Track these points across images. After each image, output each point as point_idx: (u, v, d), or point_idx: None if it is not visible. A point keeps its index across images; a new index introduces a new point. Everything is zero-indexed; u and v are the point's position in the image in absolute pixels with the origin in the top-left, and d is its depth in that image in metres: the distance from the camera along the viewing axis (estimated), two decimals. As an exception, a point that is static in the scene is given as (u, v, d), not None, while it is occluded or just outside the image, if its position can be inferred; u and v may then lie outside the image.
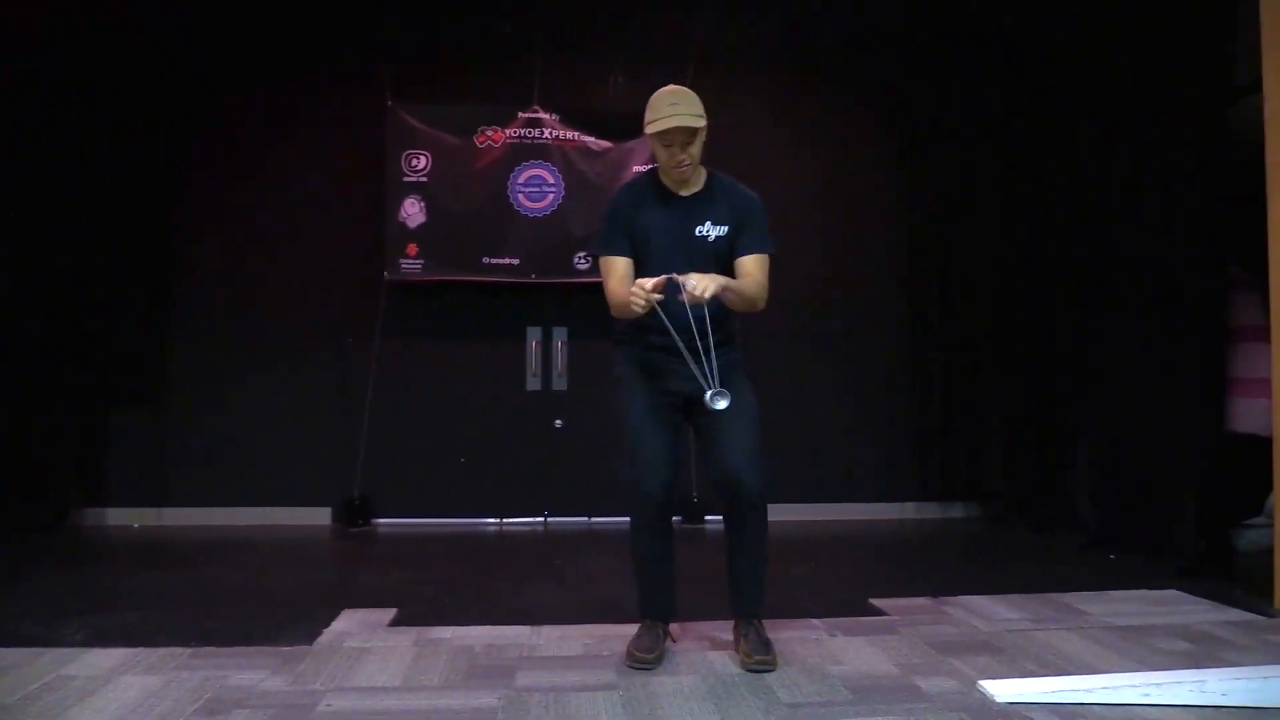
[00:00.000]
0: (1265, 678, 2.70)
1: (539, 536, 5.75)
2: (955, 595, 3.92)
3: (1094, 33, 5.19)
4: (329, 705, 2.66)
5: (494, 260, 5.86)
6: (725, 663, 3.05)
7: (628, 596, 3.73)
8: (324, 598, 3.92)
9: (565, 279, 5.89)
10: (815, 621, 3.51)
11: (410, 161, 5.84)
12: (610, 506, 5.94)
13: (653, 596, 3.12)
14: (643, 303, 2.77)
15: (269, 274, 5.94)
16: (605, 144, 5.96)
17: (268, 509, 5.84)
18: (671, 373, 3.00)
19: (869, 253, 6.25)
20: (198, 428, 5.86)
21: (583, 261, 5.87)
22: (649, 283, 2.78)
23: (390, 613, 3.67)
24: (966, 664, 3.01)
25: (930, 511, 6.23)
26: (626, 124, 5.93)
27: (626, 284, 2.93)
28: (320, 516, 5.92)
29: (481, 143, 5.91)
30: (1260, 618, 3.55)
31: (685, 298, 2.75)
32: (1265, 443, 3.89)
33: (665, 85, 3.03)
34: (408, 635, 3.36)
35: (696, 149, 2.98)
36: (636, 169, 5.89)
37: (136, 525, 5.76)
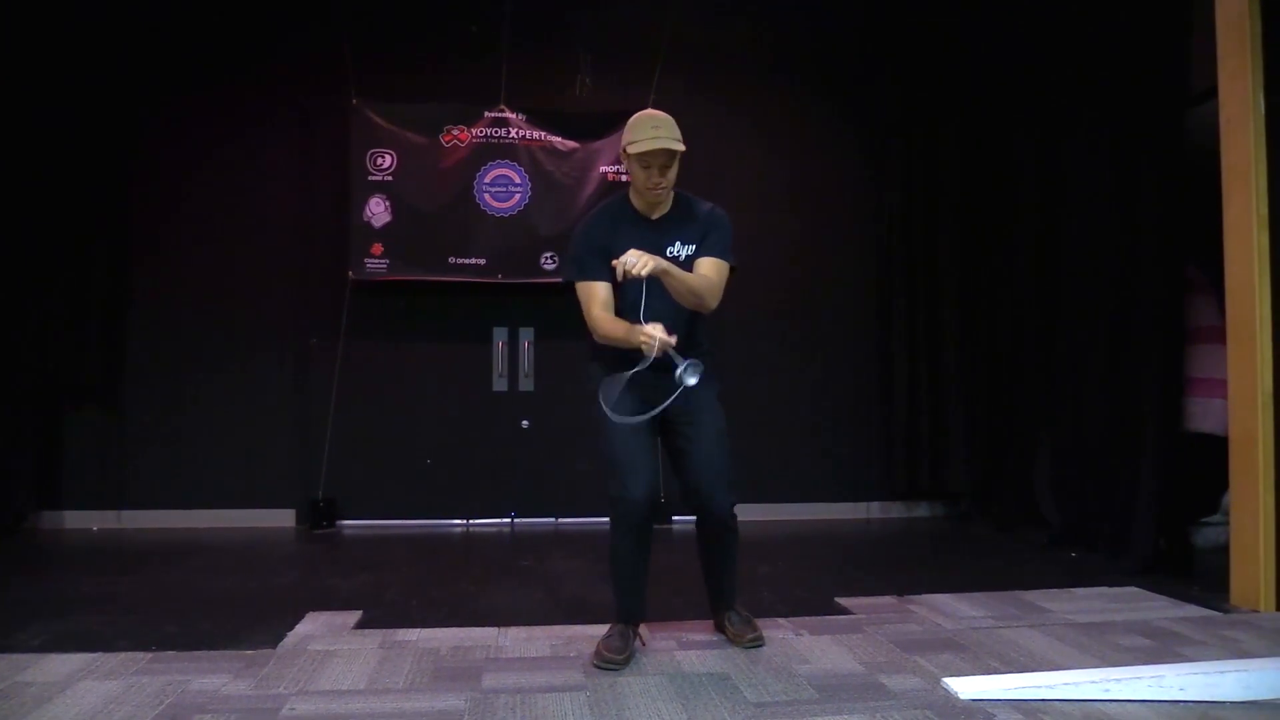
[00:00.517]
0: (1221, 672, 2.74)
1: (505, 538, 5.73)
2: (920, 594, 3.95)
3: (1053, 40, 5.26)
4: (293, 709, 2.64)
5: (460, 260, 5.83)
6: (692, 663, 3.06)
7: (594, 597, 3.74)
8: (288, 601, 3.88)
9: (532, 279, 5.88)
10: (782, 621, 3.53)
11: (375, 160, 5.80)
12: (577, 507, 5.96)
13: (629, 600, 3.14)
14: (655, 345, 2.82)
15: (231, 272, 5.88)
16: (572, 144, 5.95)
17: (230, 511, 5.78)
18: (647, 388, 3.02)
19: (835, 253, 6.29)
20: (158, 429, 5.79)
21: (549, 262, 5.87)
22: (668, 339, 2.84)
23: (355, 615, 3.65)
24: (931, 662, 3.04)
25: (895, 511, 6.29)
26: (593, 124, 5.96)
27: (609, 309, 3.04)
28: (284, 519, 5.86)
29: (447, 142, 5.88)
30: (1216, 614, 3.62)
31: (619, 271, 2.80)
32: (1222, 442, 3.96)
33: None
34: (373, 638, 3.34)
35: (673, 173, 3.04)
36: (603, 169, 5.90)
37: (95, 528, 5.68)
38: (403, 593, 4.10)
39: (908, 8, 6.18)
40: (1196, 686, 2.68)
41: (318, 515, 5.77)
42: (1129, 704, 2.64)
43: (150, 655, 3.10)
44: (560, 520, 6.04)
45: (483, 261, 5.85)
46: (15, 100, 5.34)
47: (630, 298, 2.99)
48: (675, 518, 5.73)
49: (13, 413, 5.44)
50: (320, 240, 5.91)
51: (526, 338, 6.09)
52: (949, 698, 2.72)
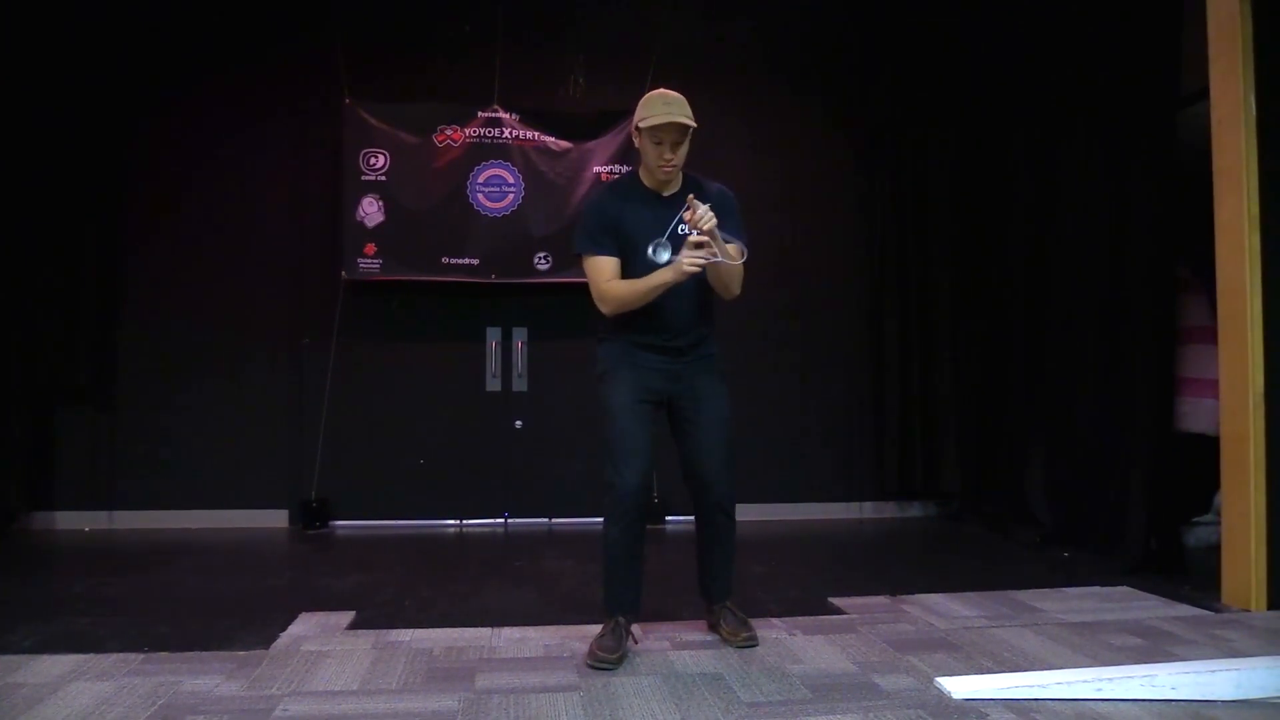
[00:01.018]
0: (1212, 671, 2.75)
1: (499, 538, 5.73)
2: (913, 594, 3.96)
3: (1046, 41, 5.27)
4: (285, 710, 2.63)
5: (453, 260, 5.83)
6: (685, 663, 3.06)
7: (588, 597, 3.74)
8: (280, 601, 3.87)
9: (525, 279, 5.88)
10: (775, 620, 3.53)
11: (368, 160, 5.79)
12: (571, 508, 5.95)
13: (619, 590, 3.13)
14: (701, 262, 2.88)
15: (224, 272, 5.86)
16: (565, 144, 5.95)
17: (223, 512, 5.76)
18: (654, 370, 3.12)
19: (828, 253, 6.29)
20: (150, 429, 5.77)
21: (543, 262, 5.87)
22: (696, 254, 2.89)
23: (348, 615, 3.64)
24: (924, 661, 3.04)
25: (888, 511, 6.30)
26: (587, 124, 5.96)
27: (617, 281, 3.06)
28: (277, 519, 5.85)
29: (441, 142, 5.87)
30: (1208, 613, 3.62)
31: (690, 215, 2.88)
32: (1213, 442, 3.97)
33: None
34: (366, 638, 3.33)
35: (684, 151, 3.08)
36: (596, 169, 5.90)
37: (87, 529, 5.66)
38: (396, 593, 4.09)
39: (901, 9, 6.19)
40: (1188, 685, 2.69)
41: (310, 515, 5.76)
42: (1121, 703, 2.65)
43: (142, 656, 3.09)
44: (554, 520, 6.03)
45: (476, 261, 5.84)
46: (7, 99, 5.32)
47: (647, 267, 3.00)
48: (669, 518, 5.74)
49: (3, 413, 5.42)
50: (313, 240, 5.90)
51: (520, 338, 6.09)
52: (942, 697, 2.72)
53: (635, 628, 3.23)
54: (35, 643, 3.23)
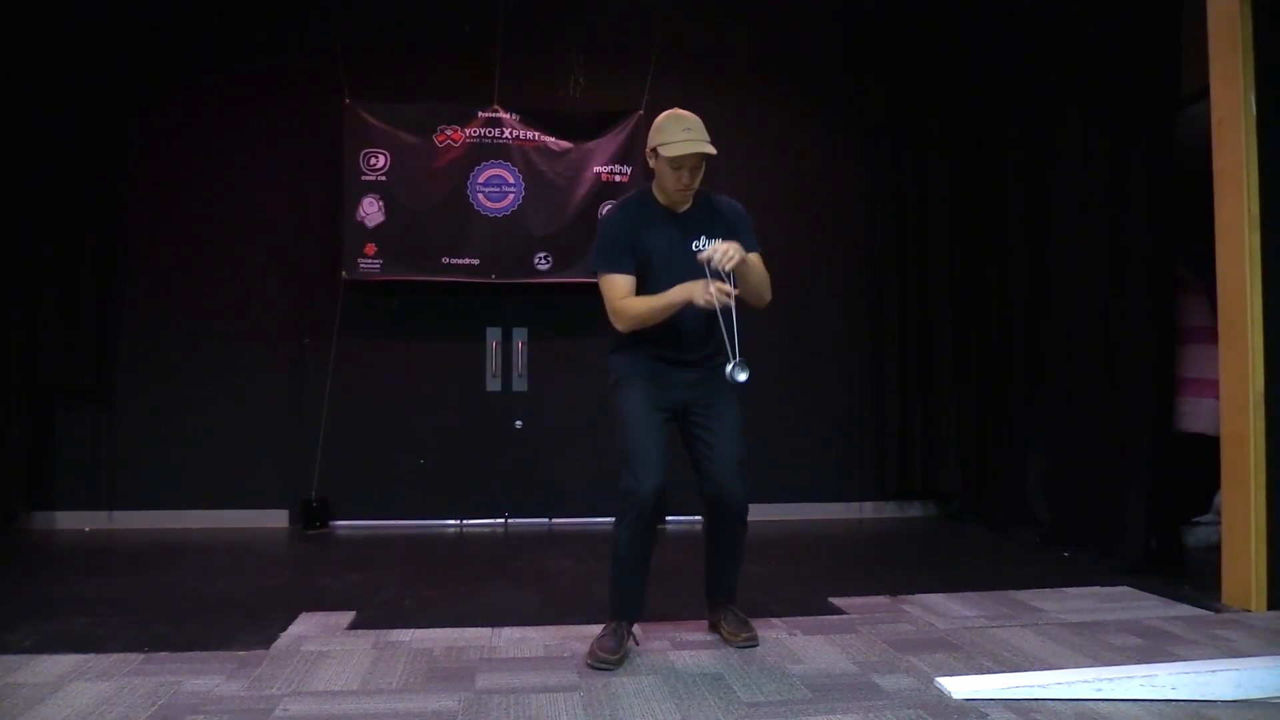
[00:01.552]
0: (1212, 671, 2.75)
1: (499, 538, 5.73)
2: (913, 594, 3.96)
3: (1045, 40, 5.27)
4: (286, 710, 2.63)
5: (453, 260, 5.82)
6: (686, 663, 3.06)
7: (588, 598, 3.74)
8: (281, 601, 3.87)
9: (525, 279, 5.88)
10: (775, 620, 3.53)
11: (369, 160, 5.79)
12: (571, 508, 5.95)
13: (628, 597, 3.14)
14: (707, 296, 2.88)
15: (224, 272, 5.86)
16: (565, 144, 5.95)
17: (223, 511, 5.76)
18: (668, 381, 3.14)
19: (827, 254, 6.29)
20: (150, 429, 5.77)
21: (543, 262, 5.86)
22: (725, 286, 2.91)
23: (349, 615, 3.64)
24: (924, 661, 3.05)
25: (888, 511, 6.30)
26: (587, 124, 5.96)
27: (632, 298, 3.05)
28: (277, 519, 5.85)
29: (441, 142, 5.87)
30: (1208, 613, 3.62)
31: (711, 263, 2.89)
32: (1213, 442, 3.97)
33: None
34: (366, 638, 3.33)
35: (700, 174, 3.08)
36: (596, 169, 5.90)
37: (87, 529, 5.66)
38: (396, 593, 4.09)
39: (901, 8, 6.18)
40: (1188, 685, 2.69)
41: (311, 515, 5.76)
42: (1121, 703, 2.65)
43: (143, 656, 3.09)
44: (554, 520, 6.03)
45: (476, 261, 5.84)
46: (7, 100, 5.32)
47: (665, 283, 3.02)
48: (669, 518, 5.74)
49: (4, 412, 5.42)
50: (313, 240, 5.90)
51: (520, 338, 6.09)
52: (942, 697, 2.72)
53: (637, 629, 3.23)
54: (35, 642, 3.23)
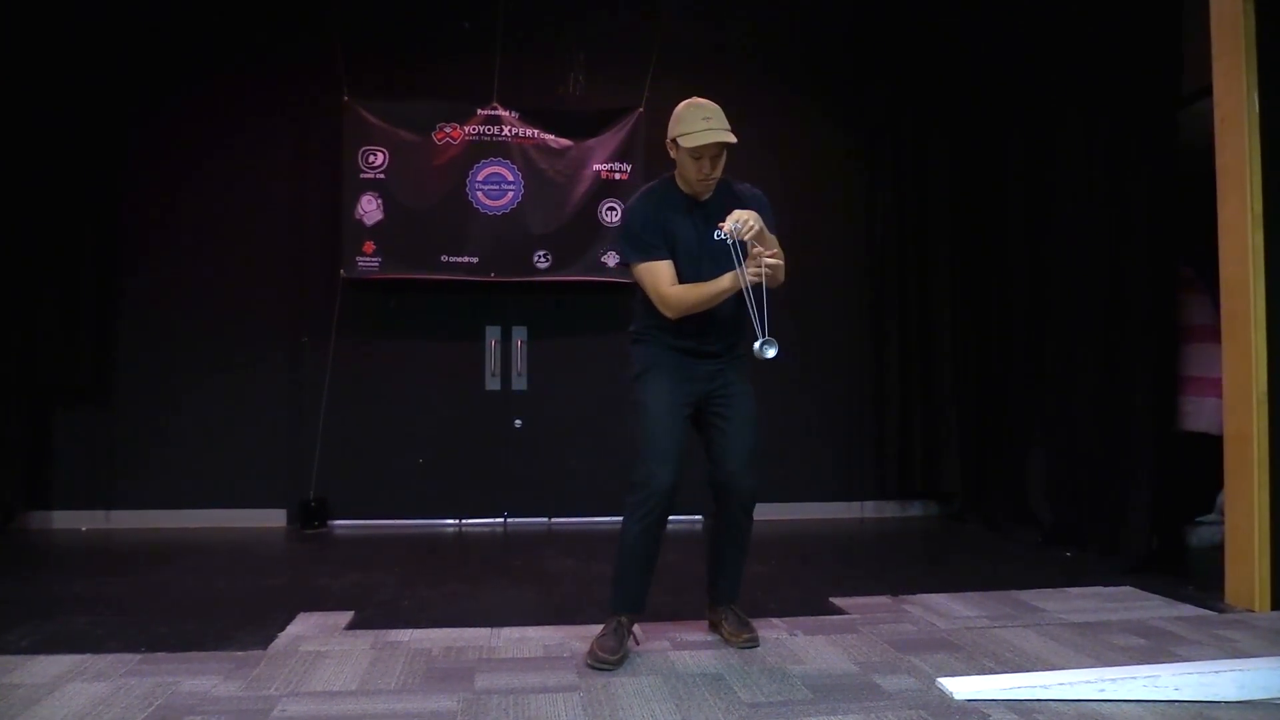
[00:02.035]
0: (1216, 672, 2.75)
1: (498, 538, 5.72)
2: (914, 594, 3.96)
3: (1046, 38, 5.26)
4: (284, 711, 2.62)
5: (452, 259, 5.82)
6: (686, 663, 3.06)
7: (588, 598, 3.74)
8: (279, 601, 3.86)
9: (525, 277, 5.87)
10: (776, 621, 3.53)
11: (367, 158, 5.78)
12: (571, 507, 5.95)
13: (630, 589, 3.13)
14: (768, 268, 2.87)
15: (222, 270, 5.85)
16: (565, 142, 5.94)
17: (221, 511, 5.75)
18: (690, 372, 3.14)
19: (827, 253, 6.27)
20: (148, 428, 5.76)
21: (542, 260, 5.86)
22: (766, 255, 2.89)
23: (347, 615, 3.64)
24: (925, 662, 3.04)
25: (889, 510, 6.29)
26: (587, 122, 5.96)
27: (676, 284, 3.04)
28: (275, 518, 5.84)
29: (440, 140, 5.87)
30: (1211, 613, 3.62)
31: (727, 233, 2.89)
32: (1216, 441, 3.97)
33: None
34: (365, 638, 3.33)
35: (722, 163, 3.08)
36: (596, 167, 5.90)
37: (85, 528, 5.65)
38: (395, 593, 4.09)
39: (899, 7, 6.18)
40: (1192, 686, 2.69)
41: (309, 515, 5.75)
42: (1124, 704, 2.64)
43: (140, 656, 3.08)
44: (553, 520, 6.02)
45: (475, 260, 5.84)
46: (6, 99, 5.31)
47: (691, 272, 3.04)
48: (673, 517, 5.71)
49: (1, 411, 5.41)
50: (312, 238, 5.89)
51: (519, 336, 6.08)
52: (944, 698, 2.72)
53: (637, 629, 3.23)
54: (32, 643, 3.23)
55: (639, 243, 3.11)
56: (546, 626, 3.49)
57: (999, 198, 5.77)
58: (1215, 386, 4.16)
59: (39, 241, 5.54)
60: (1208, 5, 3.88)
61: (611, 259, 5.80)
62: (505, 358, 6.08)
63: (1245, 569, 3.69)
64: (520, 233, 5.87)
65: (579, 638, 3.26)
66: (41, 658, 3.05)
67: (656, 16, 5.94)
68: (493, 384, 6.07)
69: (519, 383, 6.08)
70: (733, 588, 3.34)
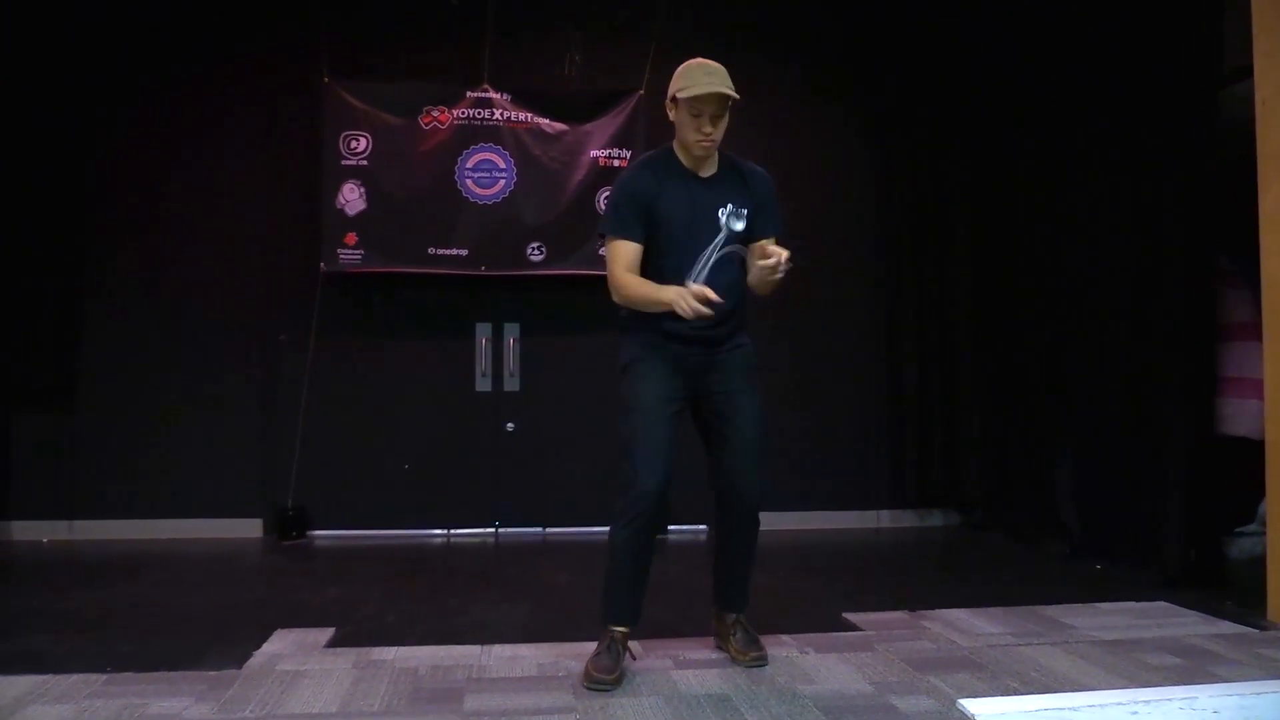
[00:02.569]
0: (1258, 694, 2.75)
1: (489, 548, 5.73)
2: (933, 609, 3.95)
3: (1073, 16, 5.25)
4: (259, 734, 2.63)
5: (440, 251, 5.82)
6: (689, 683, 3.05)
7: (584, 613, 3.72)
8: (255, 617, 3.86)
9: (517, 271, 5.88)
10: (785, 638, 3.52)
11: (349, 143, 5.78)
12: (566, 516, 5.95)
13: (620, 599, 3.13)
14: (689, 309, 2.83)
15: (194, 265, 5.85)
16: (560, 126, 5.94)
17: (192, 521, 5.75)
18: (682, 363, 3.12)
19: (840, 248, 6.27)
20: (114, 432, 5.76)
21: (536, 253, 5.86)
22: (708, 292, 2.85)
23: (327, 633, 3.63)
24: (945, 682, 3.04)
25: (906, 520, 6.30)
26: (583, 105, 5.96)
27: (635, 271, 3.05)
28: (250, 529, 5.85)
29: (427, 124, 5.86)
30: (1253, 630, 3.62)
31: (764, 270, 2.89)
32: (1257, 446, 3.96)
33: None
34: (346, 657, 3.33)
35: (724, 126, 3.06)
36: (593, 153, 5.90)
37: (46, 540, 5.65)
38: (378, 608, 4.09)
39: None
40: (1232, 709, 2.68)
41: (287, 525, 5.76)
42: (1159, 727, 2.65)
43: (105, 677, 3.07)
44: (548, 530, 6.03)
45: (464, 252, 5.84)
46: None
47: (675, 263, 3.01)
48: (673, 527, 5.74)
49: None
50: (289, 229, 5.89)
51: (512, 334, 6.08)
52: (965, 720, 2.72)
53: (634, 644, 3.22)
54: (-10, 662, 3.23)
55: (616, 215, 3.11)
56: (541, 644, 3.49)
57: (1021, 186, 5.76)
58: (1256, 388, 4.15)
59: (-2, 233, 5.54)
60: (1248, -21, 3.88)
61: (610, 251, 5.79)
62: (497, 357, 6.08)
63: (1288, 583, 3.69)
64: (513, 223, 5.86)
65: (575, 656, 3.25)
66: (-1, 678, 3.05)
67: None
68: (483, 385, 6.07)
69: (511, 383, 6.08)
70: (741, 595, 3.33)
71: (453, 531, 6.00)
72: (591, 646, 3.16)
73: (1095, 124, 5.10)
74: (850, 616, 3.87)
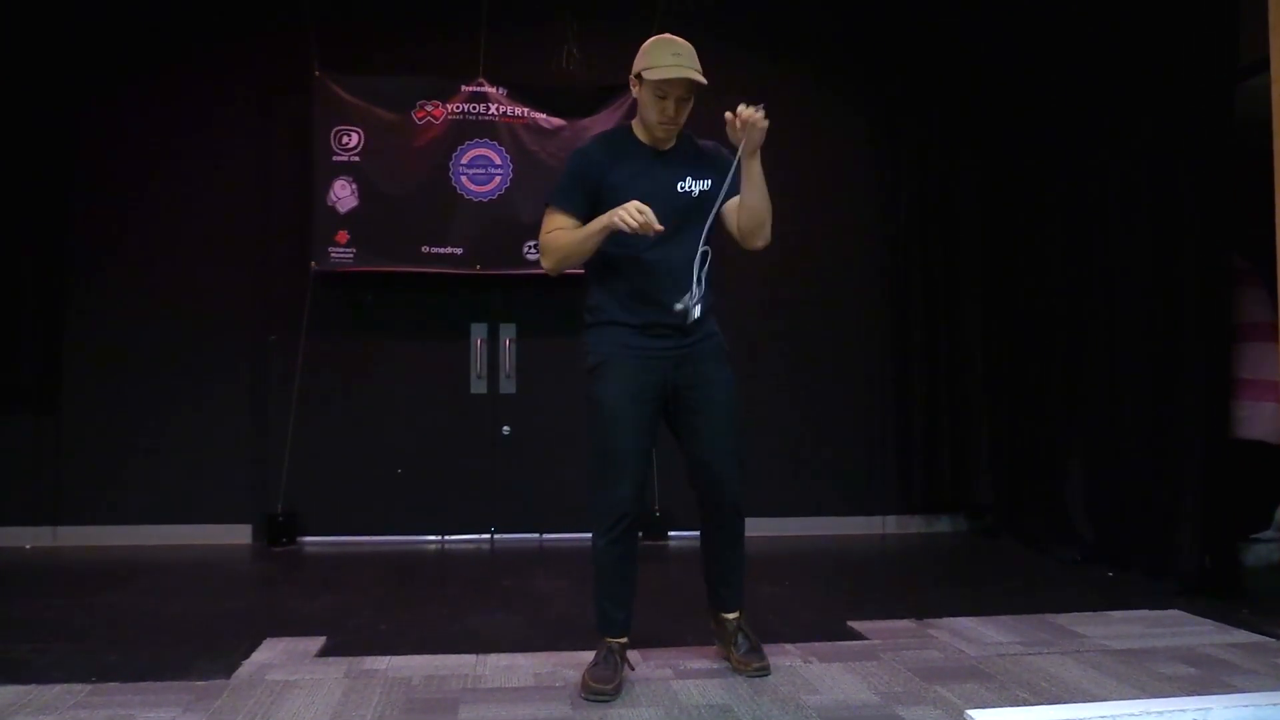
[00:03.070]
0: (1274, 705, 2.75)
1: (484, 555, 5.73)
2: (941, 617, 3.96)
3: (1084, 9, 5.25)
4: (248, 746, 2.63)
5: (434, 249, 5.82)
6: (690, 693, 3.05)
7: (582, 621, 3.72)
8: (243, 626, 3.86)
9: (514, 270, 5.87)
10: (788, 647, 3.52)
11: (340, 139, 5.79)
12: (563, 522, 5.94)
13: (610, 611, 3.14)
14: (634, 223, 2.83)
15: (180, 264, 5.85)
16: (558, 121, 5.94)
17: (179, 527, 5.75)
18: (655, 360, 3.10)
19: (846, 247, 6.28)
20: (99, 436, 5.76)
21: (533, 251, 5.85)
22: (651, 221, 2.84)
23: (318, 641, 3.64)
24: (953, 692, 3.04)
25: (913, 526, 6.29)
26: (581, 100, 5.95)
27: (561, 230, 3.07)
28: (239, 535, 5.84)
29: (420, 119, 5.87)
30: (1269, 640, 3.62)
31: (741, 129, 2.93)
32: (1274, 450, 3.96)
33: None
34: (338, 666, 3.33)
35: (687, 110, 3.07)
36: (592, 149, 5.88)
37: (29, 546, 5.65)
38: (371, 617, 4.09)
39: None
40: None
41: (276, 531, 5.75)
42: (1172, 738, 2.65)
43: (89, 687, 3.08)
44: (545, 536, 6.03)
45: (459, 251, 5.84)
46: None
47: (628, 239, 2.96)
48: (672, 533, 5.74)
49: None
50: (279, 227, 5.89)
51: (508, 335, 6.08)
52: (974, 732, 2.72)
53: (633, 653, 3.22)
54: (-29, 672, 3.23)
55: (561, 186, 3.13)
56: (538, 653, 3.49)
57: (1030, 186, 5.76)
58: (1273, 390, 4.15)
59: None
60: (1264, -31, 3.88)
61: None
62: (492, 358, 6.08)
63: (1305, 590, 3.69)
64: (509, 221, 5.86)
65: (573, 665, 3.25)
66: (-19, 688, 3.05)
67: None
68: (478, 387, 6.07)
69: (507, 385, 6.08)
70: (738, 592, 3.32)
71: (447, 538, 5.99)
72: (589, 656, 3.16)
73: (1106, 121, 5.10)
74: (855, 625, 3.87)
